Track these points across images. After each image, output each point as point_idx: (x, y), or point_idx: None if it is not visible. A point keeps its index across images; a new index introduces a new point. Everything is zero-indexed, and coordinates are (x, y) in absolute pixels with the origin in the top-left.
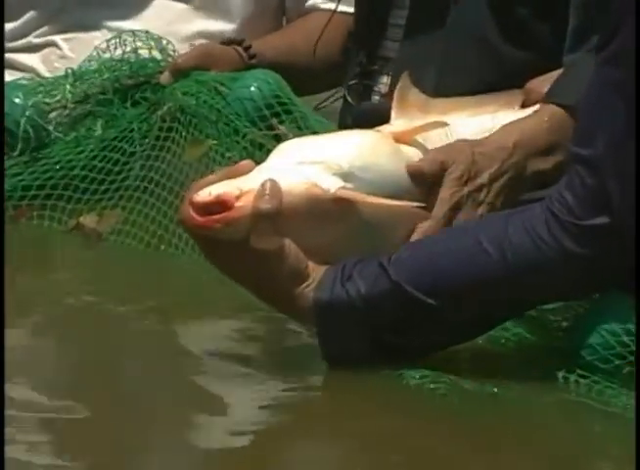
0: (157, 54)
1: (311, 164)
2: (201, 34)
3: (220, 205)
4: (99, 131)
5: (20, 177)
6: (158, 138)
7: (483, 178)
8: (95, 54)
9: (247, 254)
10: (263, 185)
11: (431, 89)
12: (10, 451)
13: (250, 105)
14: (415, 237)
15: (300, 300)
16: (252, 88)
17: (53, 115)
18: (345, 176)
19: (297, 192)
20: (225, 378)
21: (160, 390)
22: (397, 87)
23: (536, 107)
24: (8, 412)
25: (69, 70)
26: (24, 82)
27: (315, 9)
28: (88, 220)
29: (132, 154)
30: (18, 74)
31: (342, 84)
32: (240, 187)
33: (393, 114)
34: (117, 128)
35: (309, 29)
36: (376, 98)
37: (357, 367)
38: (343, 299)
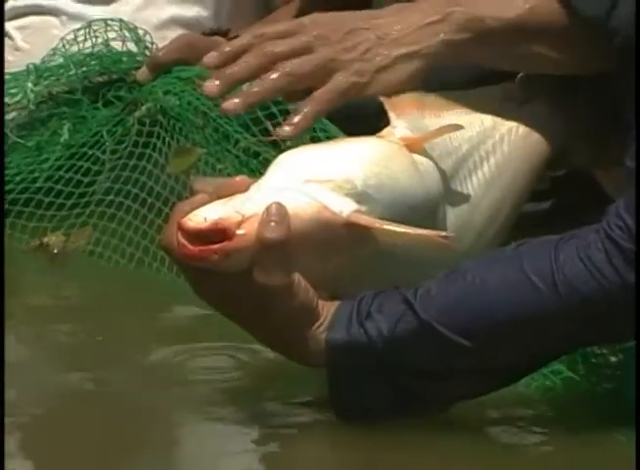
0: (132, 46)
1: (319, 182)
2: (174, 21)
3: (218, 232)
4: (65, 136)
5: None
6: (135, 144)
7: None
8: (61, 46)
9: (248, 289)
10: (269, 209)
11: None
12: None
13: None
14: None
15: (311, 343)
16: (243, 86)
17: (12, 115)
18: (359, 197)
19: (305, 216)
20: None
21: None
22: None
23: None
24: None
25: (31, 66)
26: None
27: None
28: (53, 240)
29: (104, 163)
30: None
31: None
32: (240, 211)
33: (392, 115)
34: (87, 133)
35: (302, 14)
36: None
37: (374, 422)
38: (362, 340)
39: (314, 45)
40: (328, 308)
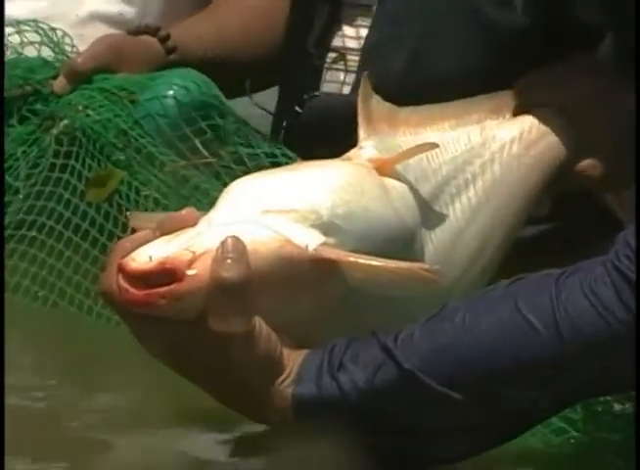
0: (48, 52)
1: (280, 212)
2: (95, 17)
3: (166, 273)
4: None
5: None
6: (52, 167)
7: None
8: None
9: (201, 339)
10: (224, 245)
11: (399, 77)
12: None
13: (163, 122)
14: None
15: (275, 399)
16: (167, 98)
17: None
18: (326, 228)
19: (266, 252)
20: None
21: None
22: (359, 95)
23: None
24: None
25: None
26: None
27: None
28: None
29: (17, 190)
30: None
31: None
32: (190, 248)
33: (362, 133)
34: None
35: (245, 6)
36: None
37: None
38: (335, 395)
39: None
40: (294, 359)
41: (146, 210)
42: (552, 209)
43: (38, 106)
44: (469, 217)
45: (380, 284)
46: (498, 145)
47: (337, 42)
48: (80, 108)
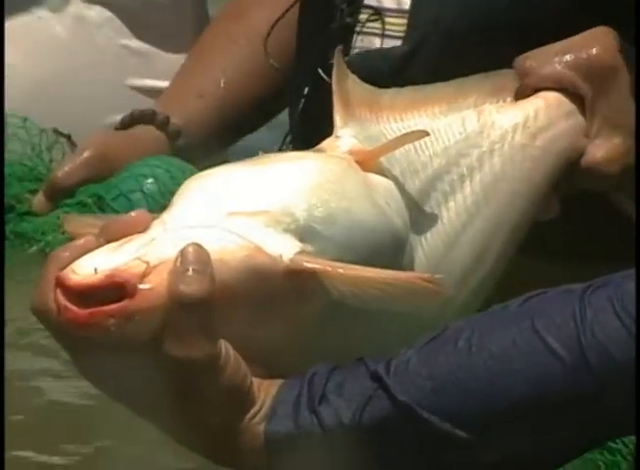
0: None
1: (248, 215)
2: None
3: (115, 288)
4: None
5: None
6: None
7: None
8: None
9: (156, 366)
10: (184, 254)
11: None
12: None
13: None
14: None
15: (245, 438)
16: (136, 194)
17: None
18: (303, 234)
19: (233, 262)
20: None
21: None
22: (333, 75)
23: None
24: None
25: None
26: None
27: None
28: None
29: None
30: None
31: None
32: (143, 258)
33: (338, 119)
34: None
35: (251, 35)
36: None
37: None
38: (315, 433)
39: None
40: (266, 390)
41: None
42: (564, 211)
43: (21, 227)
44: (465, 220)
45: (370, 300)
46: (498, 133)
47: (371, 1)
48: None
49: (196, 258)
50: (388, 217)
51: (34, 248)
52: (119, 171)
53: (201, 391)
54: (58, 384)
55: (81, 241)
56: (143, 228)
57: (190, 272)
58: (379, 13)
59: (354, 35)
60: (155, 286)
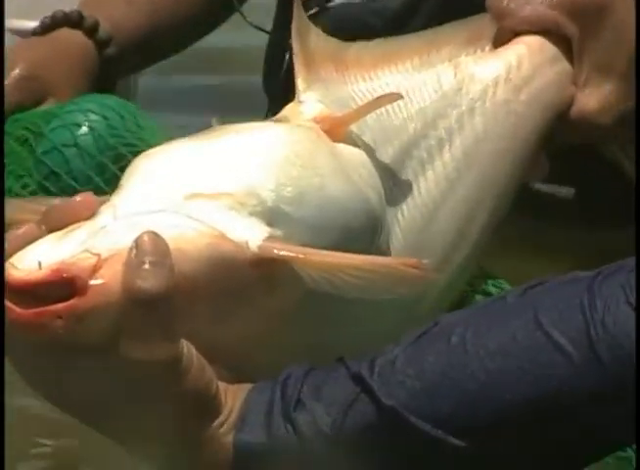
0: None
1: (208, 197)
2: None
3: (62, 284)
4: None
5: None
6: None
7: None
8: None
9: (111, 370)
10: (139, 244)
11: None
12: None
13: (75, 156)
14: None
15: (211, 450)
16: (83, 128)
17: None
18: (271, 217)
19: (194, 252)
20: None
21: None
22: (292, 30)
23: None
24: None
25: None
26: None
27: None
28: None
29: None
30: None
31: None
32: (92, 249)
33: (300, 82)
34: None
35: None
36: None
37: None
38: (290, 442)
39: None
40: (234, 395)
41: None
42: (559, 171)
43: None
44: (445, 189)
45: (347, 289)
46: (478, 89)
47: None
48: None
49: (152, 249)
50: (362, 194)
51: None
52: (51, 98)
53: (160, 397)
54: None
55: (21, 230)
56: (90, 214)
57: (146, 265)
58: None
59: None
60: (107, 281)
